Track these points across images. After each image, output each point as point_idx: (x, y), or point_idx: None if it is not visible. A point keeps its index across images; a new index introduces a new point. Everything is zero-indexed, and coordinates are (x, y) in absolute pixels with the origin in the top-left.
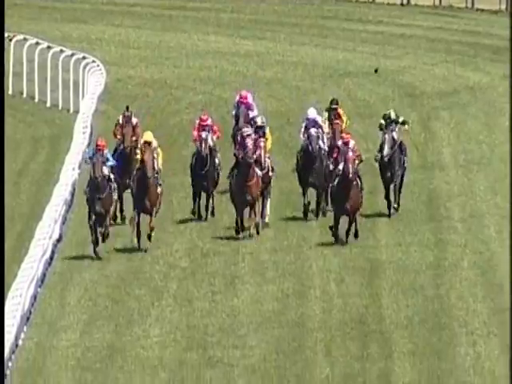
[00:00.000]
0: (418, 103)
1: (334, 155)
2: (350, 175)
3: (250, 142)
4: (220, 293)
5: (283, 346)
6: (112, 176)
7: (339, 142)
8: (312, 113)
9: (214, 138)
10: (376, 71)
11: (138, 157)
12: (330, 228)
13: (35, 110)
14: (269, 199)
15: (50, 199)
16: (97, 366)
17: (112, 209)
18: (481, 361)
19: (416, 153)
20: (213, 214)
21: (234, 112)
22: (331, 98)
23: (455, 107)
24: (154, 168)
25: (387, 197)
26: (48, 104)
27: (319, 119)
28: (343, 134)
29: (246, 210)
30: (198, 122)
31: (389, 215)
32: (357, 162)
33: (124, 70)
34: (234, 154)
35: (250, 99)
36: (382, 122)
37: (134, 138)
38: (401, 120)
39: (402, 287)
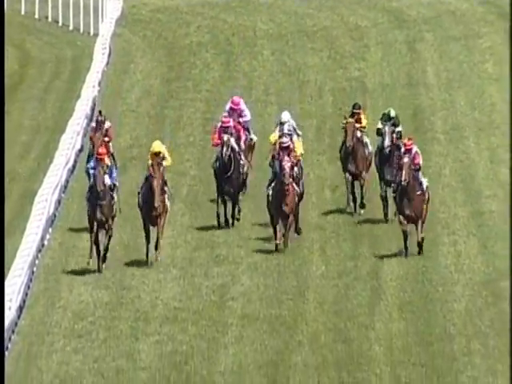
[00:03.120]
0: (405, 26)
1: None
2: (403, 182)
3: (287, 165)
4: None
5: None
6: (114, 184)
7: (402, 149)
8: (286, 116)
9: (241, 143)
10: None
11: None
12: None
13: (59, 33)
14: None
15: (73, 114)
16: (114, 265)
17: (112, 220)
18: (461, 258)
19: (403, 73)
20: (238, 219)
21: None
22: (354, 103)
23: (438, 30)
24: (162, 187)
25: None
26: (70, 27)
27: (292, 122)
28: (405, 141)
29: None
30: (219, 124)
31: (386, 220)
32: (413, 167)
33: None
34: (270, 164)
35: (242, 105)
36: (380, 126)
37: (106, 139)
38: (398, 129)
39: (389, 193)
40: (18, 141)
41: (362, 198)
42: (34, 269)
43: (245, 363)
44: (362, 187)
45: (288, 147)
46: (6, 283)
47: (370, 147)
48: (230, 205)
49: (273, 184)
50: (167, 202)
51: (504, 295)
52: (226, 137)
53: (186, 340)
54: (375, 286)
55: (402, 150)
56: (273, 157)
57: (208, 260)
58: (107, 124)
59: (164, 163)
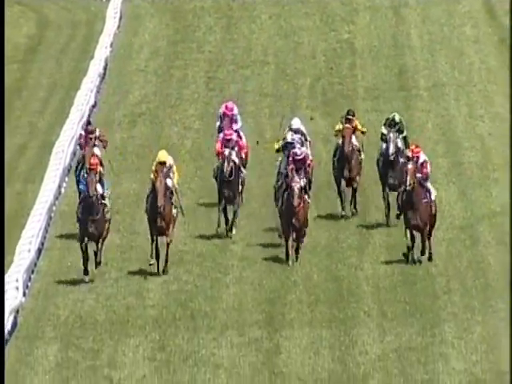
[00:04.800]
0: None
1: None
2: (408, 187)
3: (296, 186)
4: None
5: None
6: (106, 193)
7: (409, 154)
8: (296, 122)
9: (243, 154)
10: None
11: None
12: (406, 254)
13: None
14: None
15: (87, 73)
16: (125, 210)
17: (105, 232)
18: (442, 205)
19: (388, 36)
20: (231, 230)
21: (217, 124)
22: (347, 109)
23: None
24: (165, 194)
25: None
26: None
27: (303, 128)
28: (413, 148)
29: None
30: (221, 135)
31: (387, 223)
32: (418, 174)
33: None
34: (279, 172)
35: (235, 111)
36: (384, 131)
37: (98, 152)
38: (404, 134)
39: (377, 146)
40: (37, 97)
41: (354, 204)
42: (52, 214)
43: (244, 301)
44: (354, 192)
45: (302, 160)
46: (27, 227)
47: (363, 155)
48: (229, 212)
49: (283, 194)
50: (174, 212)
51: (480, 239)
52: (227, 151)
53: (190, 280)
54: (364, 231)
55: (409, 155)
56: (282, 173)
57: (211, 207)
58: (98, 132)
59: (172, 175)
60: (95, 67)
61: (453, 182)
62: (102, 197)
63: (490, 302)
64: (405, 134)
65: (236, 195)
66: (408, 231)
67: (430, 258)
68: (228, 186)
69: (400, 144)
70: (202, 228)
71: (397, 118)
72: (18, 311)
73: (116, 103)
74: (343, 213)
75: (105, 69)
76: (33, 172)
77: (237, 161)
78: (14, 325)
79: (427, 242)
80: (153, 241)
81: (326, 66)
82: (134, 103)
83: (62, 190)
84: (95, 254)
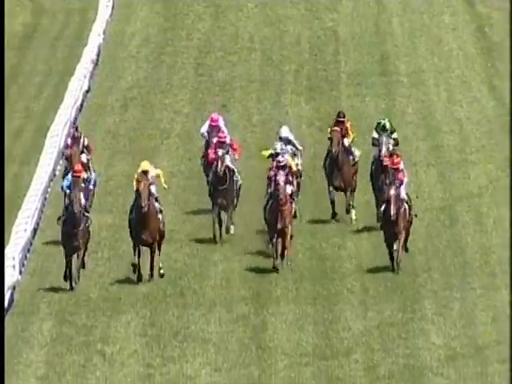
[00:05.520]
0: None
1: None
2: (392, 218)
3: (282, 179)
4: None
5: None
6: (87, 204)
7: (386, 161)
8: (285, 132)
9: (236, 156)
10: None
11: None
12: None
13: None
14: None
15: (81, 59)
16: (117, 191)
17: (88, 242)
18: (422, 187)
19: (371, 24)
20: (227, 231)
21: (204, 134)
22: (338, 111)
23: None
24: (149, 199)
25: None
26: None
27: (292, 137)
28: (394, 158)
29: None
30: (215, 140)
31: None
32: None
33: None
34: (268, 177)
35: (220, 122)
36: (375, 135)
37: (84, 158)
38: (394, 136)
39: (360, 129)
40: (33, 83)
41: (347, 207)
42: (47, 195)
43: (232, 278)
44: (346, 198)
45: (285, 166)
46: (23, 207)
47: (357, 155)
48: (224, 217)
49: (269, 203)
50: (160, 217)
51: (459, 219)
52: (220, 152)
53: (180, 258)
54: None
55: (389, 168)
56: (269, 178)
57: (200, 188)
58: (85, 140)
59: (154, 180)
60: (88, 54)
61: (432, 164)
62: (85, 209)
63: (468, 280)
64: (395, 135)
65: (230, 203)
66: (386, 240)
67: (397, 258)
68: (223, 194)
69: (391, 147)
70: (191, 209)
71: (387, 126)
72: (14, 288)
73: (109, 88)
74: (333, 222)
75: (98, 55)
76: (28, 155)
77: (231, 166)
78: (11, 301)
79: (401, 248)
80: (135, 250)
81: (310, 53)
82: (126, 88)
83: (57, 172)
84: (78, 267)
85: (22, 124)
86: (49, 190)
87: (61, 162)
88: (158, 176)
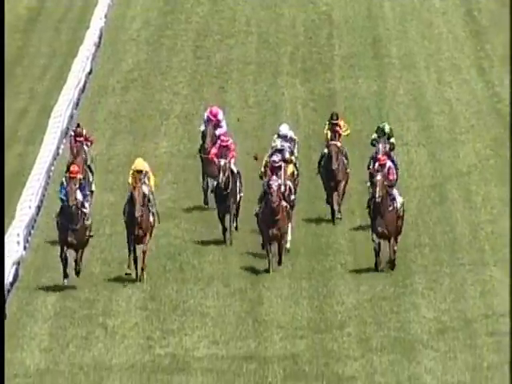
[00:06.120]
0: None
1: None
2: (377, 199)
3: (275, 184)
4: None
5: None
6: (85, 201)
7: (376, 165)
8: (284, 129)
9: (232, 160)
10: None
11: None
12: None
13: None
14: (290, 224)
15: (84, 41)
16: (118, 170)
17: (85, 240)
18: (413, 165)
19: (363, 8)
20: (236, 228)
21: (201, 128)
22: (331, 113)
23: None
24: (143, 204)
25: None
26: None
27: (291, 134)
28: (380, 156)
29: None
30: (219, 142)
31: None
32: (386, 183)
33: None
34: (260, 177)
35: (220, 116)
36: (375, 135)
37: (85, 150)
38: (392, 141)
39: (353, 110)
40: (37, 64)
41: (339, 204)
42: (51, 174)
43: (229, 253)
44: (339, 196)
45: (280, 167)
46: (27, 185)
47: (348, 159)
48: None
49: (262, 204)
50: (151, 219)
51: (448, 197)
52: (222, 162)
53: (179, 235)
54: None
55: (376, 165)
56: (262, 176)
57: (199, 167)
58: (84, 132)
59: (147, 182)
60: (91, 36)
61: (423, 144)
62: (82, 205)
63: (457, 255)
64: (392, 140)
65: (232, 206)
66: (374, 239)
67: (392, 267)
68: (225, 199)
69: (388, 149)
70: (190, 187)
71: (386, 129)
72: (19, 264)
73: (110, 70)
74: (339, 215)
75: (100, 38)
76: (33, 134)
77: (234, 170)
78: (16, 276)
79: (392, 249)
80: (130, 251)
81: (305, 36)
82: (127, 70)
83: (60, 152)
84: (75, 261)
85: (26, 104)
86: (52, 168)
87: (64, 140)
88: (149, 178)
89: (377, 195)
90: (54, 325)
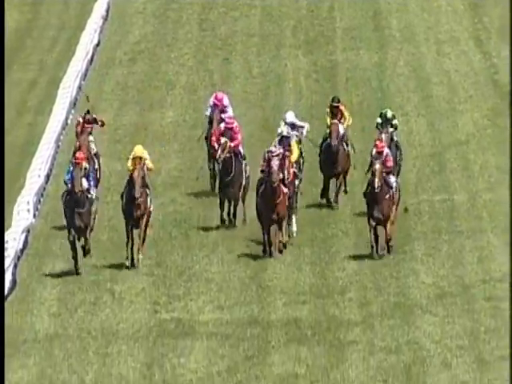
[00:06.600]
0: None
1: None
2: (376, 189)
3: (275, 164)
4: (217, 85)
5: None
6: (91, 186)
7: (373, 151)
8: (290, 116)
9: (232, 143)
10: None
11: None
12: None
13: None
14: (294, 216)
15: (92, 14)
16: (125, 139)
17: (92, 222)
18: (412, 135)
19: None
20: (231, 221)
21: (207, 113)
22: (332, 96)
23: None
24: (142, 186)
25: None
26: None
27: (297, 122)
28: (377, 143)
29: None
30: (222, 125)
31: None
32: (384, 170)
33: None
34: (261, 171)
35: (225, 101)
36: (379, 120)
37: (90, 138)
38: (394, 122)
39: (354, 81)
40: (47, 36)
41: (336, 194)
42: (59, 143)
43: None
44: (343, 182)
45: (277, 155)
46: (37, 154)
47: (350, 147)
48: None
49: (261, 187)
50: (149, 204)
51: (447, 165)
52: (223, 140)
53: (185, 202)
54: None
55: (374, 151)
56: (262, 171)
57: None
58: (95, 118)
59: (146, 167)
60: (99, 9)
61: (422, 114)
62: (88, 191)
63: (456, 223)
64: (395, 121)
65: (238, 193)
66: (371, 225)
67: (388, 244)
68: (228, 185)
69: (391, 135)
70: (196, 156)
71: (389, 114)
72: (28, 231)
73: (117, 42)
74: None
75: (107, 11)
76: (42, 105)
77: (241, 151)
78: (25, 243)
79: (387, 233)
80: (128, 238)
81: (307, 9)
82: (134, 42)
83: (69, 122)
84: (83, 248)
85: (36, 76)
86: (61, 137)
87: (73, 111)
88: (148, 167)
89: (376, 185)
90: (62, 290)
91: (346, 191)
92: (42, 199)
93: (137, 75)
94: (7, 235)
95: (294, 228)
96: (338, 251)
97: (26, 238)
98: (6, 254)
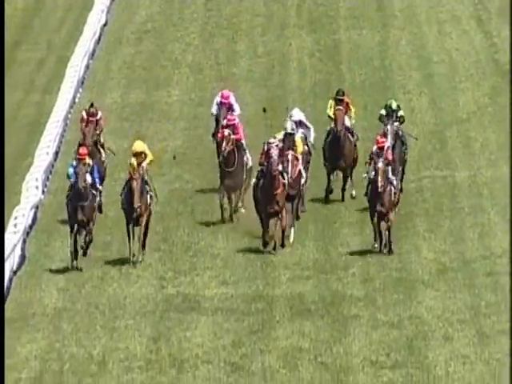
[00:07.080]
0: None
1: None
2: (380, 189)
3: (275, 153)
4: (222, 64)
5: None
6: (96, 181)
7: (374, 148)
8: (297, 113)
9: (234, 137)
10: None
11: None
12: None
13: None
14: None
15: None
16: (132, 117)
17: (94, 216)
18: (414, 113)
19: None
20: (231, 215)
21: (214, 111)
22: (337, 89)
23: None
24: (142, 189)
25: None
26: None
27: (304, 119)
28: (378, 138)
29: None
30: (225, 122)
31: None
32: (389, 168)
33: None
34: (260, 163)
35: (231, 99)
36: (383, 112)
37: (97, 132)
38: (400, 114)
39: (357, 60)
40: (55, 17)
41: (343, 189)
42: (67, 122)
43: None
44: (343, 179)
45: (277, 146)
46: (45, 132)
47: (355, 137)
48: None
49: (260, 181)
50: (149, 202)
51: (448, 143)
52: (226, 132)
53: (191, 179)
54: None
55: (374, 148)
56: (261, 164)
57: (209, 116)
58: (99, 115)
59: (145, 163)
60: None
61: (424, 92)
62: (92, 186)
63: (457, 200)
64: (401, 113)
65: (238, 186)
66: (374, 220)
67: (389, 251)
68: (230, 176)
69: (396, 127)
70: (201, 133)
71: (394, 106)
72: (37, 207)
73: (124, 22)
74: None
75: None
76: (50, 84)
77: (244, 143)
78: (34, 220)
79: (388, 233)
80: (129, 236)
81: None
82: (141, 22)
83: (77, 100)
84: (84, 242)
85: (44, 55)
86: (69, 116)
87: (80, 89)
88: (149, 161)
89: (379, 184)
90: (70, 265)
91: (352, 196)
92: (50, 176)
93: (143, 54)
94: (16, 211)
95: (291, 239)
96: (341, 227)
97: (35, 214)
98: (15, 229)
